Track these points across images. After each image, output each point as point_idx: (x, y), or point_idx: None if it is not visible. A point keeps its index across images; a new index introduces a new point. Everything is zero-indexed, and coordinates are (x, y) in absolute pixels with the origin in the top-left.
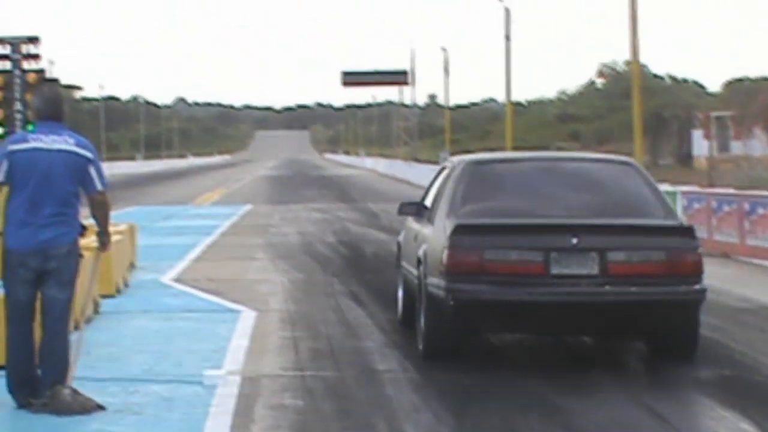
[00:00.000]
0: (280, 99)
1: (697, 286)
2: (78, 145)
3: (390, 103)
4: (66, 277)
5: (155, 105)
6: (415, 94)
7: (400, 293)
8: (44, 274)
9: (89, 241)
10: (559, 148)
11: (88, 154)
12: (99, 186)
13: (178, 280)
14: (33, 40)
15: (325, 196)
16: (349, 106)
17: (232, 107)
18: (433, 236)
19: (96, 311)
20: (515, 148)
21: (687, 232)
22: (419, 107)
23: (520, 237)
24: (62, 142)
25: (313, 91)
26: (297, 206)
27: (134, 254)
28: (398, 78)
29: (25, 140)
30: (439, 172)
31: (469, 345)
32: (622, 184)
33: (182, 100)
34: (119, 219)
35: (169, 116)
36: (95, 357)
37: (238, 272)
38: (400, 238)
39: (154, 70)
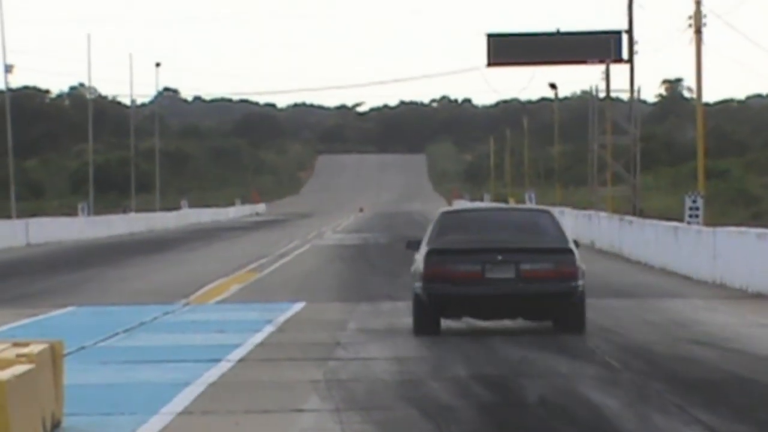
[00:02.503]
0: (364, 93)
1: (573, 284)
2: None
3: (585, 95)
4: None
5: (118, 103)
6: (634, 82)
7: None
8: None
9: None
10: None
11: None
12: None
13: None
14: None
15: None
16: (504, 104)
17: (271, 107)
18: (419, 258)
19: None
20: None
21: (568, 251)
22: (644, 104)
23: (467, 256)
24: None
25: (431, 77)
26: (393, 305)
27: (59, 402)
28: (599, 47)
29: None
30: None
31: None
32: (537, 223)
33: (171, 92)
34: (31, 333)
35: (143, 126)
36: None
37: None
38: (412, 268)
39: (125, 46)
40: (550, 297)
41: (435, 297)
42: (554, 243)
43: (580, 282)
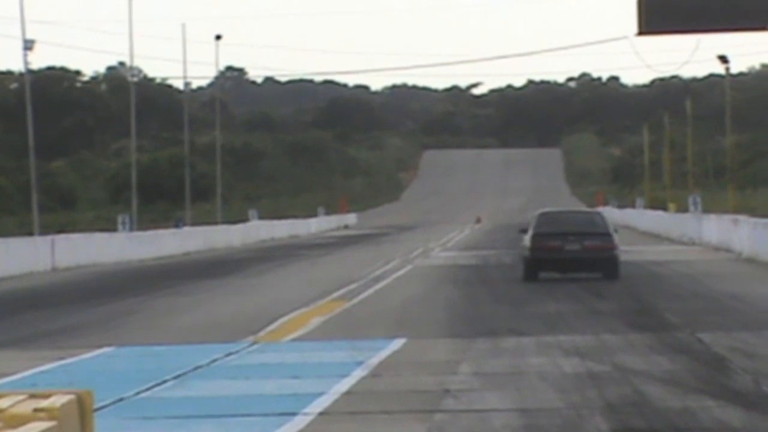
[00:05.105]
0: (482, 70)
1: (612, 252)
2: None
3: (765, 71)
4: None
5: (169, 87)
6: None
7: (522, 266)
8: None
9: None
10: None
11: None
12: None
13: None
14: None
15: (595, 315)
16: (660, 83)
17: (363, 90)
18: (527, 237)
19: None
20: None
21: (609, 234)
22: None
23: (554, 236)
24: None
25: (567, 50)
26: (517, 341)
27: None
28: None
29: None
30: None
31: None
32: (592, 219)
33: (235, 72)
34: (57, 381)
35: (201, 116)
36: None
37: None
38: (522, 243)
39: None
40: (599, 260)
41: (536, 259)
42: (601, 230)
43: (616, 252)
